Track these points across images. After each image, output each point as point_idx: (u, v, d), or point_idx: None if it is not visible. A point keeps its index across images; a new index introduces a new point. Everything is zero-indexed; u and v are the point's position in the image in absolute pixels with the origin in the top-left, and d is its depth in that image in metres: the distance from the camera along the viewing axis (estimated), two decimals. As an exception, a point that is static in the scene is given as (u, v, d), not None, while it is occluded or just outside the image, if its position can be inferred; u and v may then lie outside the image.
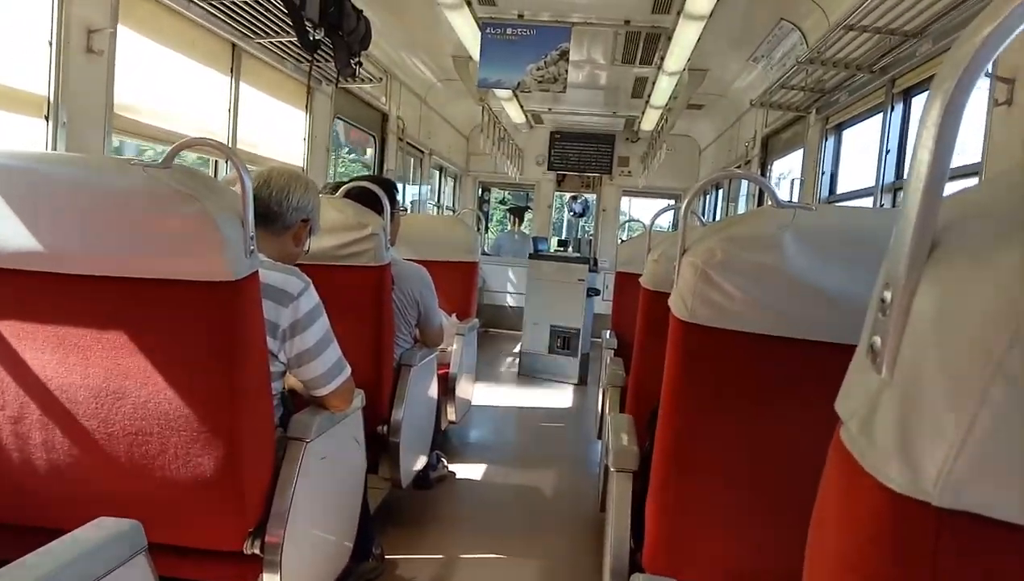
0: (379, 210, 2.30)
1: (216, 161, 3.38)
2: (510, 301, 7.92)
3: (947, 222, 0.39)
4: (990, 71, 2.17)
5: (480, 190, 9.43)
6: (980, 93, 2.30)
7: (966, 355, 0.34)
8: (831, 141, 4.14)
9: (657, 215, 3.10)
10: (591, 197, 9.24)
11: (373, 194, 2.35)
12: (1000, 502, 0.35)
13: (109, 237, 1.23)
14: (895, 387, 0.38)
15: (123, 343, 1.27)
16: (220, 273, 1.22)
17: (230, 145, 3.37)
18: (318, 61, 3.48)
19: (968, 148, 2.59)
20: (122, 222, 1.23)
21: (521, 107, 6.86)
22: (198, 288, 1.24)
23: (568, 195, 9.61)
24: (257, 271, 1.32)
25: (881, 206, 3.29)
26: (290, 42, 3.31)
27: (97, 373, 1.29)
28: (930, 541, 0.37)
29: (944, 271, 0.37)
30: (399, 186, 3.05)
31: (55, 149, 2.18)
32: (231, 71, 3.38)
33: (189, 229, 1.20)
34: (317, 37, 2.91)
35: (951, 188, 0.40)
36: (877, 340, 0.40)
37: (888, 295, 0.39)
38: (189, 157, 3.58)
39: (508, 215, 9.25)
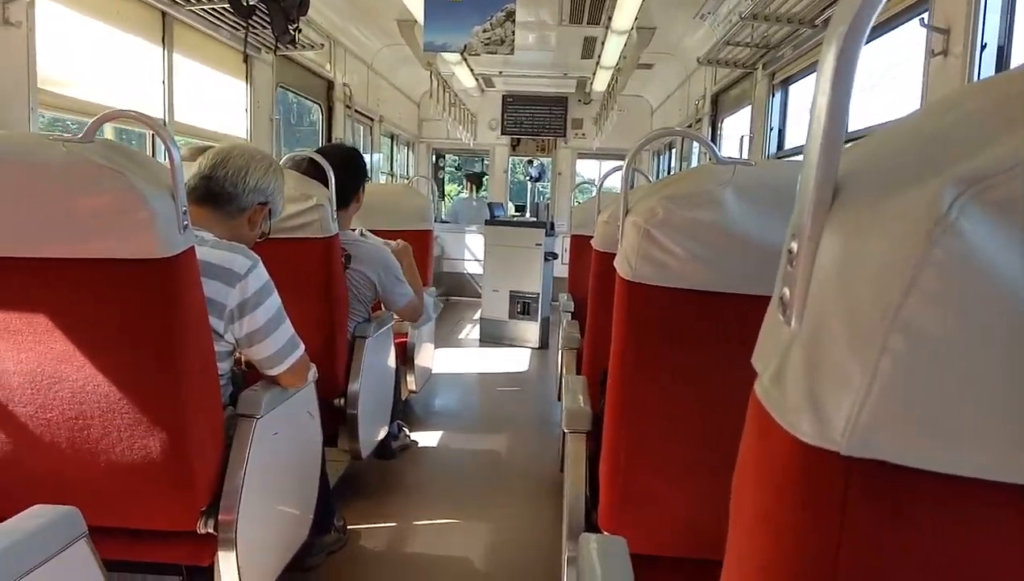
0: (326, 181, 2.25)
1: (152, 136, 3.25)
2: (469, 268, 7.87)
3: (850, 170, 0.38)
4: (926, 21, 2.19)
5: (434, 157, 9.31)
6: (917, 44, 2.33)
7: (866, 304, 0.34)
8: (778, 97, 4.17)
9: (606, 176, 3.09)
10: (547, 161, 9.19)
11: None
12: (905, 449, 0.35)
13: (33, 217, 1.18)
14: (803, 338, 0.38)
15: (56, 326, 1.23)
16: (152, 250, 1.18)
17: (166, 118, 3.25)
18: (254, 28, 3.35)
19: (909, 100, 2.64)
20: (45, 200, 1.17)
21: (471, 70, 6.74)
22: (130, 267, 1.20)
23: (524, 159, 9.55)
24: (193, 247, 1.28)
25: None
26: (223, 8, 3.18)
27: (30, 358, 1.24)
28: (839, 489, 0.37)
29: (845, 220, 0.37)
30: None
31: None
32: (162, 41, 3.23)
33: (116, 205, 1.15)
34: (251, 2, 2.79)
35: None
36: (786, 291, 0.40)
37: (795, 246, 0.39)
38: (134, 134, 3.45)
39: (464, 182, 9.15)
